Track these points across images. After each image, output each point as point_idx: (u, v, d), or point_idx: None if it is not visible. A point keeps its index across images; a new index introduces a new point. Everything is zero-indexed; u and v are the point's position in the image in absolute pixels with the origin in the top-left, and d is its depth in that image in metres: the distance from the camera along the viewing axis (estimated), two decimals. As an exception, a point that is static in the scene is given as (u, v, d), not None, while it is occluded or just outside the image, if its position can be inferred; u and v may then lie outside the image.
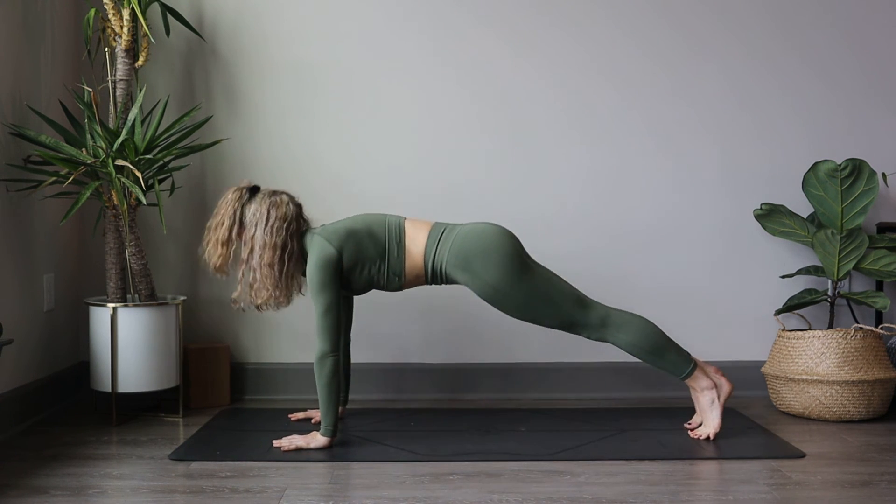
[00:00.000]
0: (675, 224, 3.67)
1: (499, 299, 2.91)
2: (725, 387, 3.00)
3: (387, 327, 3.61)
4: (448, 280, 2.97)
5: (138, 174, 3.06)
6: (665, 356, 2.97)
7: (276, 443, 2.86)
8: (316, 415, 3.20)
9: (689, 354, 3.00)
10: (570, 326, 2.96)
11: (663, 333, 2.99)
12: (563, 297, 2.93)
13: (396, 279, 2.96)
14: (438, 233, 2.96)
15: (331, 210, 3.61)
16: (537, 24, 3.63)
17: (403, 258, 2.94)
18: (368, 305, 3.52)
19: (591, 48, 3.64)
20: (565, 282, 2.98)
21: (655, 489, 2.48)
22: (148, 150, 3.14)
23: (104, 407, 3.27)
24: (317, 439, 2.83)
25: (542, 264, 3.01)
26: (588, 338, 2.98)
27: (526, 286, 2.90)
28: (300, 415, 3.24)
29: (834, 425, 3.23)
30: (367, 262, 2.92)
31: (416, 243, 2.95)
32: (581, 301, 2.95)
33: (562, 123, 3.65)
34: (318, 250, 2.88)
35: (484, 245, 2.90)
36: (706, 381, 2.99)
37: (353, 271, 2.92)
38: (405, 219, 3.00)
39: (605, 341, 2.97)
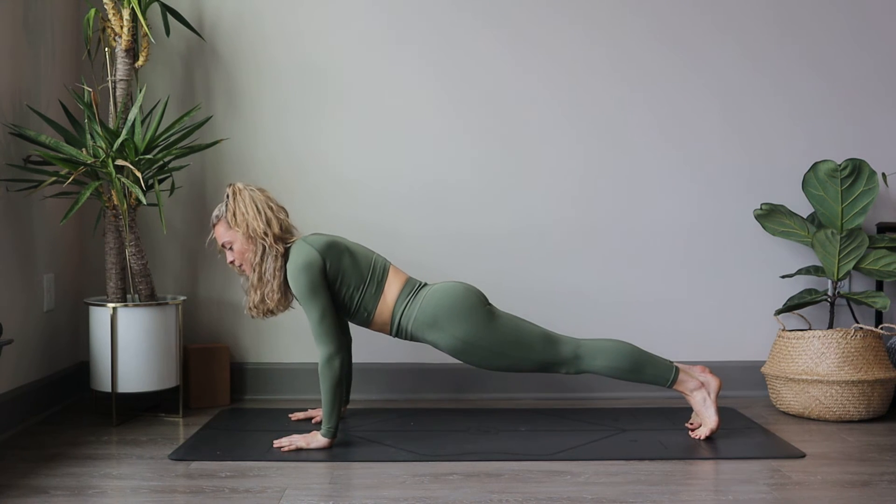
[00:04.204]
0: (675, 224, 3.67)
1: (470, 352, 2.93)
2: (713, 383, 3.01)
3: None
4: (413, 338, 2.99)
5: (138, 174, 3.06)
6: (645, 371, 2.98)
7: (276, 443, 2.85)
8: (316, 414, 3.20)
9: (668, 362, 3.00)
10: (546, 366, 2.98)
11: (637, 349, 3.00)
12: (532, 338, 2.95)
13: (366, 314, 2.98)
14: (410, 289, 2.98)
15: (329, 211, 3.62)
16: (541, 25, 3.63)
17: (378, 300, 2.96)
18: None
19: (586, 46, 3.64)
20: (532, 323, 3.01)
21: (655, 489, 2.48)
22: (148, 150, 3.14)
23: (104, 407, 3.27)
24: (317, 439, 2.83)
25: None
26: (567, 373, 3.00)
27: (494, 334, 2.92)
28: (301, 415, 3.24)
29: (834, 425, 3.23)
30: (345, 283, 2.93)
31: (391, 291, 2.97)
32: (550, 339, 2.97)
33: (560, 125, 3.64)
34: (300, 253, 2.89)
35: (450, 301, 2.92)
36: (693, 383, 3.00)
37: (333, 285, 2.92)
38: (390, 264, 3.03)
39: (584, 372, 2.99)
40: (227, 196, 2.95)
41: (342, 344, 2.85)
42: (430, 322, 2.93)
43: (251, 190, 2.95)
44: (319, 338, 2.83)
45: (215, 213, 2.99)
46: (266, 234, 2.89)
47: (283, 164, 3.61)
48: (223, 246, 2.98)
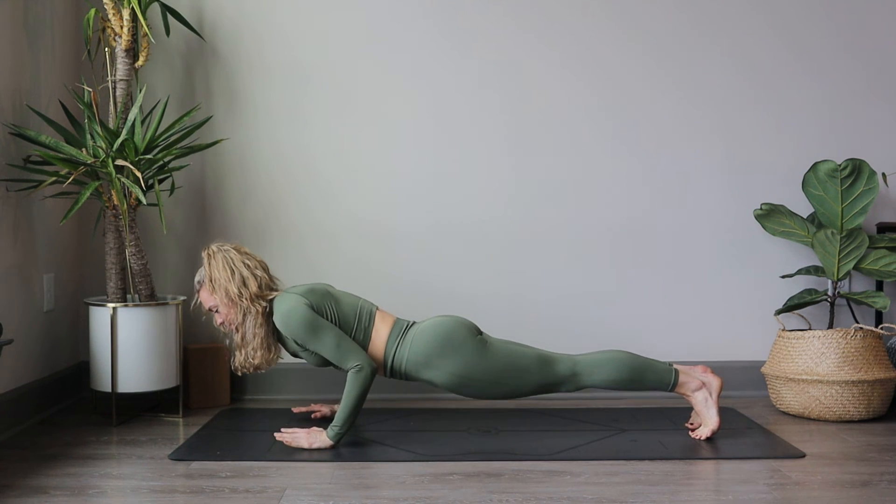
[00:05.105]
0: (675, 224, 3.67)
1: (468, 385, 2.93)
2: (715, 383, 3.00)
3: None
4: (409, 378, 2.98)
5: (138, 174, 3.06)
6: (645, 378, 2.98)
7: (278, 436, 2.86)
8: (318, 409, 3.23)
9: (667, 365, 3.00)
10: (546, 388, 2.97)
11: (635, 356, 3.00)
12: (527, 361, 2.94)
13: None
14: (399, 331, 2.97)
15: (329, 211, 3.62)
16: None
17: (367, 346, 2.95)
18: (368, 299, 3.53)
19: (583, 39, 3.64)
20: (526, 346, 3.01)
21: (655, 489, 2.48)
22: (148, 150, 3.15)
23: (104, 407, 3.27)
24: (321, 439, 2.83)
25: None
26: (567, 391, 2.99)
27: (489, 363, 2.91)
28: (303, 409, 3.26)
29: (834, 425, 3.23)
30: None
31: (380, 335, 2.96)
32: (546, 359, 2.96)
33: (563, 127, 3.64)
34: (282, 302, 2.89)
35: (440, 338, 2.91)
36: (694, 383, 3.00)
37: None
38: (377, 308, 3.02)
39: (584, 387, 2.98)
40: (203, 260, 2.96)
41: (368, 357, 2.86)
42: (423, 361, 2.92)
43: (225, 251, 2.95)
44: (344, 358, 2.84)
45: (197, 278, 3.01)
46: (241, 295, 2.89)
47: (282, 165, 3.61)
48: (209, 309, 2.99)
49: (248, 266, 2.93)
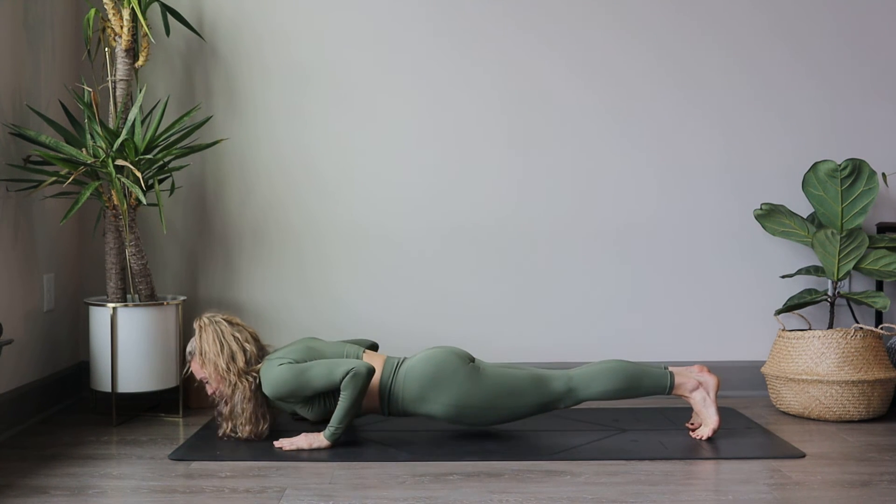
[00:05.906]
0: (675, 224, 3.67)
1: (466, 414, 2.92)
2: (711, 381, 3.00)
3: (388, 327, 3.60)
4: (407, 414, 2.97)
5: (138, 174, 3.06)
6: (642, 385, 2.96)
7: (277, 444, 2.86)
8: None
9: (662, 369, 2.99)
10: (544, 406, 2.95)
11: (629, 364, 2.98)
12: (522, 383, 2.93)
13: None
14: (390, 370, 2.95)
15: (322, 216, 3.62)
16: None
17: None
18: (368, 305, 3.53)
19: (584, 38, 3.64)
20: (519, 367, 3.00)
21: (655, 489, 2.48)
22: (148, 150, 3.15)
23: (104, 407, 3.27)
24: (319, 440, 2.84)
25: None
26: (566, 407, 2.98)
27: (484, 389, 2.90)
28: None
29: (834, 425, 3.23)
30: None
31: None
32: (540, 379, 2.94)
33: (566, 125, 3.64)
34: (266, 371, 2.89)
35: (432, 371, 2.90)
36: (691, 383, 2.99)
37: None
38: (363, 350, 3.01)
39: (582, 401, 2.96)
40: (195, 332, 2.96)
41: (360, 361, 2.86)
42: (418, 396, 2.91)
43: (216, 323, 2.94)
44: (335, 373, 2.82)
45: (188, 348, 3.01)
46: (229, 370, 2.90)
47: (283, 165, 3.61)
48: (201, 380, 3.00)
49: (238, 339, 2.93)
